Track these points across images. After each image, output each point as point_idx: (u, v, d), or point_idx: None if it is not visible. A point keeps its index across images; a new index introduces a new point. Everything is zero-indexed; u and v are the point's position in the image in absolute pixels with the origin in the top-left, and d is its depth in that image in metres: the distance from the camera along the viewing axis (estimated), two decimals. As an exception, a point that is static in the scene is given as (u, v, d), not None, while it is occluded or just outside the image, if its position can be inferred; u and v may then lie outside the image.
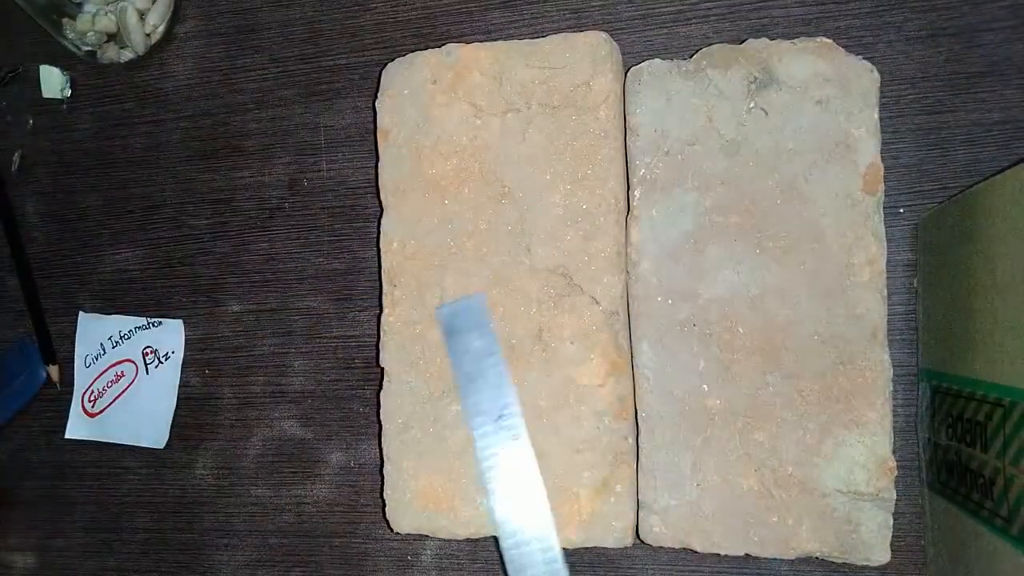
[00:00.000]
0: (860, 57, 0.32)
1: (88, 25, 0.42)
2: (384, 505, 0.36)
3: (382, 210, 0.36)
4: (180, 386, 0.42)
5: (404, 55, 0.37)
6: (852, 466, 0.31)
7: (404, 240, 0.36)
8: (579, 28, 0.37)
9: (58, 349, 0.44)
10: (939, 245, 0.33)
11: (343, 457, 0.41)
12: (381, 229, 0.36)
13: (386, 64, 0.37)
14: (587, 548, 0.34)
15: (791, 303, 0.32)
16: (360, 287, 0.41)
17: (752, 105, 0.33)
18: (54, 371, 0.44)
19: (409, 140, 0.36)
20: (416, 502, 0.35)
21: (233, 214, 0.42)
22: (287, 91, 0.42)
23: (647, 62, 0.34)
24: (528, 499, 0.33)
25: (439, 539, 0.38)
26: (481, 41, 0.36)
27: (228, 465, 0.42)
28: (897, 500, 0.31)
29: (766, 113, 0.32)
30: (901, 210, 0.35)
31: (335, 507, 0.40)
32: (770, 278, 0.32)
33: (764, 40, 0.33)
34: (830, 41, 0.32)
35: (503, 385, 0.33)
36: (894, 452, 0.31)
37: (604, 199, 0.34)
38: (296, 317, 0.41)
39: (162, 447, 0.42)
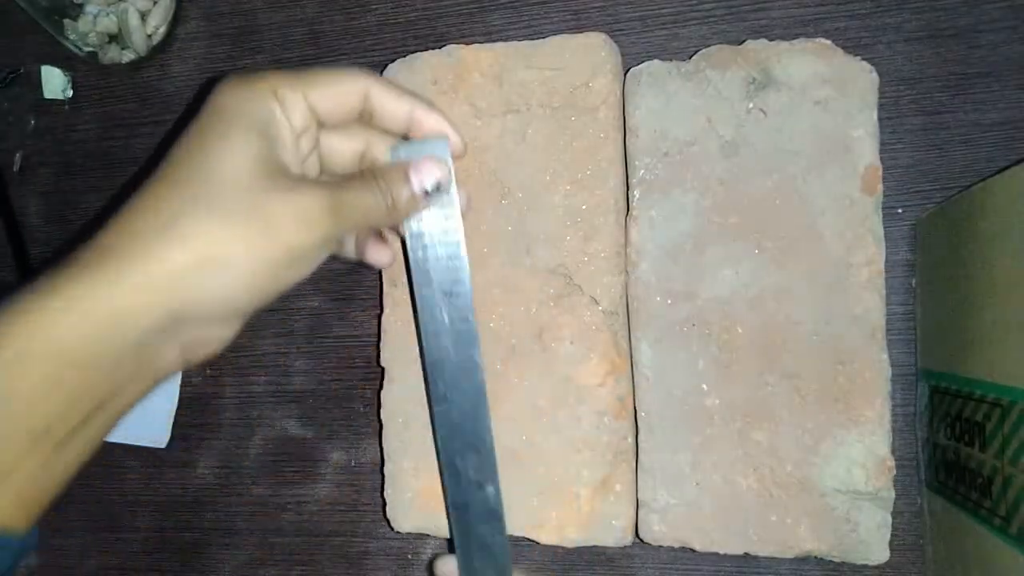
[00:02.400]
0: (859, 58, 0.32)
1: (89, 26, 0.42)
2: (385, 504, 0.36)
3: (383, 210, 0.36)
4: (181, 385, 0.43)
5: (405, 56, 0.37)
6: (851, 465, 0.31)
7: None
8: (579, 29, 0.37)
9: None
10: (938, 245, 0.33)
11: (344, 456, 0.41)
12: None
13: (387, 65, 0.37)
14: (587, 547, 0.34)
15: (790, 303, 0.32)
16: (361, 287, 0.41)
17: (751, 106, 0.33)
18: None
19: (409, 141, 0.36)
20: (417, 501, 0.35)
21: (234, 214, 0.42)
22: (288, 92, 0.42)
23: (646, 63, 0.34)
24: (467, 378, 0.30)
25: (440, 538, 0.38)
26: (481, 42, 0.36)
27: (229, 464, 0.42)
28: (896, 499, 0.31)
29: (765, 114, 0.32)
30: (900, 210, 0.35)
31: (336, 506, 0.41)
32: (769, 278, 0.32)
33: (763, 41, 0.33)
34: (829, 42, 0.32)
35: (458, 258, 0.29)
36: (893, 451, 0.31)
37: (604, 199, 0.34)
38: (297, 317, 0.42)
39: (163, 446, 0.43)
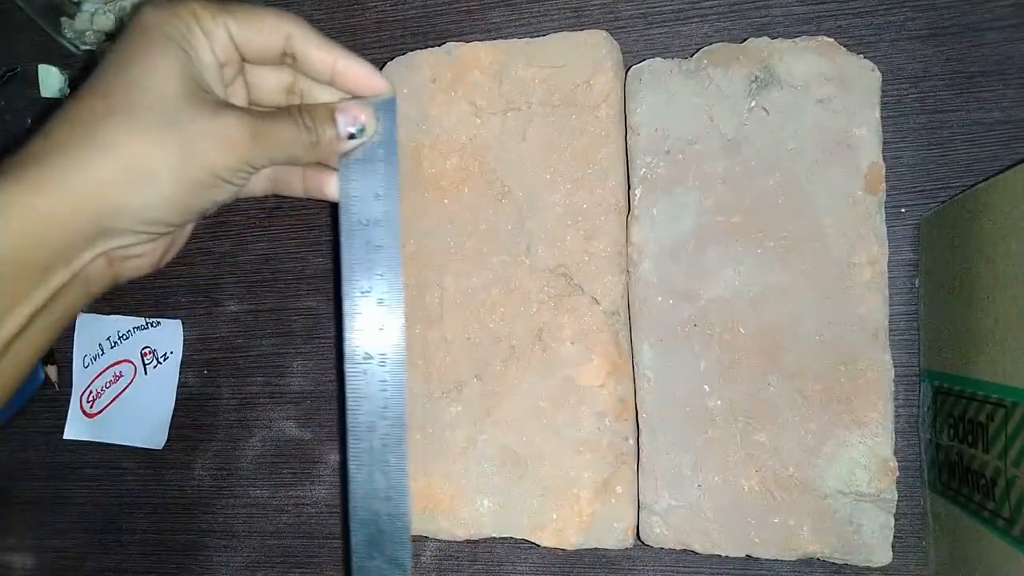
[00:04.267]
0: (861, 56, 0.32)
1: (87, 24, 0.42)
2: (383, 506, 0.35)
3: (381, 210, 0.36)
4: (178, 386, 0.42)
5: (404, 54, 0.36)
6: (853, 467, 0.31)
7: (403, 240, 0.36)
8: (579, 27, 0.37)
9: (56, 349, 0.44)
10: (941, 245, 0.33)
11: (342, 458, 0.40)
12: (380, 229, 0.36)
13: (385, 63, 0.37)
14: (587, 549, 0.33)
15: (792, 303, 0.32)
16: (359, 287, 0.41)
17: (753, 104, 0.32)
18: (52, 371, 0.44)
19: (408, 139, 0.36)
20: (415, 503, 0.35)
21: (231, 213, 0.42)
22: (286, 90, 0.42)
23: (648, 61, 0.34)
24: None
25: (438, 540, 0.38)
26: (481, 40, 0.36)
27: (227, 466, 0.42)
28: (898, 501, 0.31)
29: (767, 112, 0.32)
30: (903, 210, 0.35)
31: (334, 508, 0.40)
32: (771, 278, 0.32)
33: (765, 39, 0.33)
34: (831, 40, 0.32)
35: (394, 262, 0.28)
36: (895, 453, 0.31)
37: (604, 198, 0.34)
38: (295, 317, 0.41)
39: (160, 447, 0.42)
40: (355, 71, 0.27)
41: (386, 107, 0.28)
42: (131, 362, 0.43)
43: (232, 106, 0.25)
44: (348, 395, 0.28)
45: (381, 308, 0.28)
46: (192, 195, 0.24)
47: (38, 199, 0.21)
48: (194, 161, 0.23)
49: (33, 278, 0.22)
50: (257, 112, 0.25)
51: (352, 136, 0.27)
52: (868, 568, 0.31)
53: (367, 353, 0.28)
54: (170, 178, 0.23)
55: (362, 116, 0.27)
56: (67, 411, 0.44)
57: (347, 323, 0.28)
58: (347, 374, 0.28)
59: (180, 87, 0.23)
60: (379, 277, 0.28)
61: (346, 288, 0.28)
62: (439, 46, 0.36)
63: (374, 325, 0.28)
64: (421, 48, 0.36)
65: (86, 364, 0.44)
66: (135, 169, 0.22)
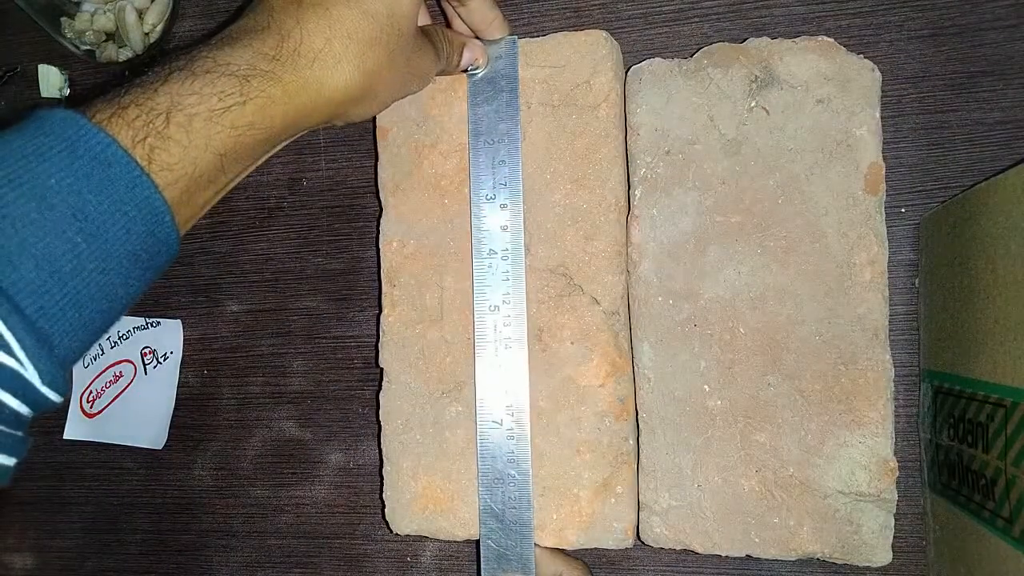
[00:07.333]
0: (861, 56, 0.32)
1: (87, 24, 0.42)
2: (383, 506, 0.36)
3: (381, 210, 0.36)
4: (179, 386, 0.42)
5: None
6: (853, 467, 0.31)
7: (403, 240, 0.36)
8: (579, 27, 0.37)
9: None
10: (941, 245, 0.33)
11: (342, 458, 0.40)
12: (380, 229, 0.36)
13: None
14: (588, 549, 0.33)
15: (792, 303, 0.32)
16: (359, 287, 0.41)
17: (753, 104, 0.32)
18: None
19: (408, 139, 0.36)
20: (415, 503, 0.35)
21: (232, 213, 0.42)
22: (286, 90, 0.42)
23: (648, 61, 0.34)
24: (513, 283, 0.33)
25: (439, 540, 0.38)
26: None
27: (227, 466, 0.42)
28: (898, 501, 0.31)
29: (767, 112, 0.32)
30: (903, 210, 0.35)
31: (334, 508, 0.40)
32: (771, 278, 0.32)
33: (765, 39, 0.33)
34: (831, 40, 0.32)
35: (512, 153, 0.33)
36: (895, 453, 0.31)
37: (604, 199, 0.34)
38: (295, 317, 0.41)
39: (161, 447, 0.42)
40: (500, 23, 0.33)
41: (509, 45, 0.34)
42: (131, 362, 0.43)
43: (425, 38, 0.30)
44: (475, 285, 0.33)
45: (504, 211, 0.33)
46: (385, 107, 0.30)
47: (305, 99, 0.25)
48: (404, 89, 0.30)
49: (273, 146, 0.27)
50: (430, 44, 0.30)
51: (465, 70, 0.34)
52: (868, 568, 0.31)
53: (491, 249, 0.33)
54: (386, 100, 0.29)
55: (481, 59, 0.33)
56: (67, 411, 0.44)
57: (475, 223, 0.33)
58: (475, 268, 0.33)
59: (415, 21, 0.28)
60: (502, 186, 0.33)
61: (474, 195, 0.34)
62: (439, 46, 0.36)
63: (497, 225, 0.33)
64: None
65: (86, 364, 0.44)
66: (373, 93, 0.27)
